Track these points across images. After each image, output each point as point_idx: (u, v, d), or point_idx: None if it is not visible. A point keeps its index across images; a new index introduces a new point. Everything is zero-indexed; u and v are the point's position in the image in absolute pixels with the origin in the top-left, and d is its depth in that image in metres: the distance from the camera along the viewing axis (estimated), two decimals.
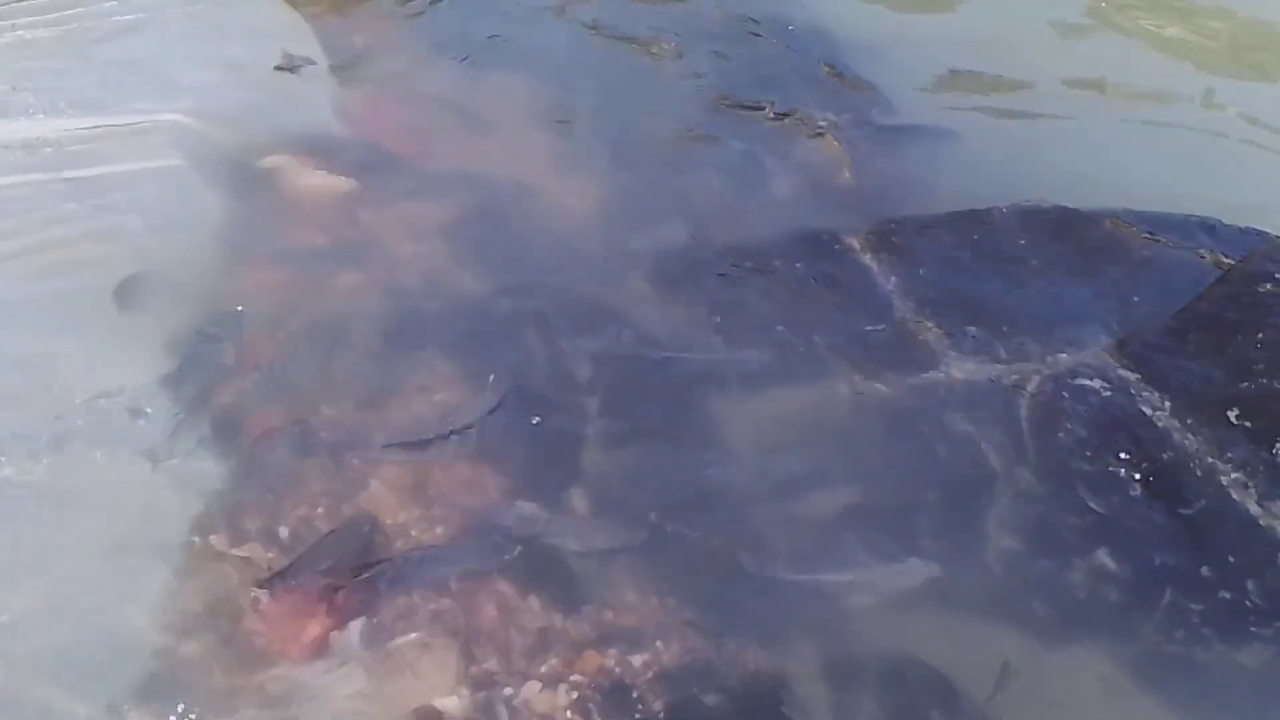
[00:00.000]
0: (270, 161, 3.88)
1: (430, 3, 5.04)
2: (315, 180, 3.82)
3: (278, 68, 4.35)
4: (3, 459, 2.70)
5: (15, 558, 2.50)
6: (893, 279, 3.46)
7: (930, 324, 3.29)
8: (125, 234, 3.47)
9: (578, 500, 2.77)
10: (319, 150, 3.94)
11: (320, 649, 2.41)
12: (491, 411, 2.93)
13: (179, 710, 2.25)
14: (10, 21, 4.35)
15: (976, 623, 2.54)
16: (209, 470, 2.75)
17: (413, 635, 2.44)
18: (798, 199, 3.87)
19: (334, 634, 2.44)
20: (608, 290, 3.41)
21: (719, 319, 3.31)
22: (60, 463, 2.72)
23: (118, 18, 4.47)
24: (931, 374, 3.11)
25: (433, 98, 4.36)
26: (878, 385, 3.07)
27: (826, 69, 4.69)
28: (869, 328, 3.27)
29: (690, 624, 2.49)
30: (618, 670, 2.40)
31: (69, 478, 2.69)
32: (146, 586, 2.48)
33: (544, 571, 2.58)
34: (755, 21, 5.01)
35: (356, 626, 2.47)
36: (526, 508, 2.73)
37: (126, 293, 3.21)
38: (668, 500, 2.77)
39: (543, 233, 3.67)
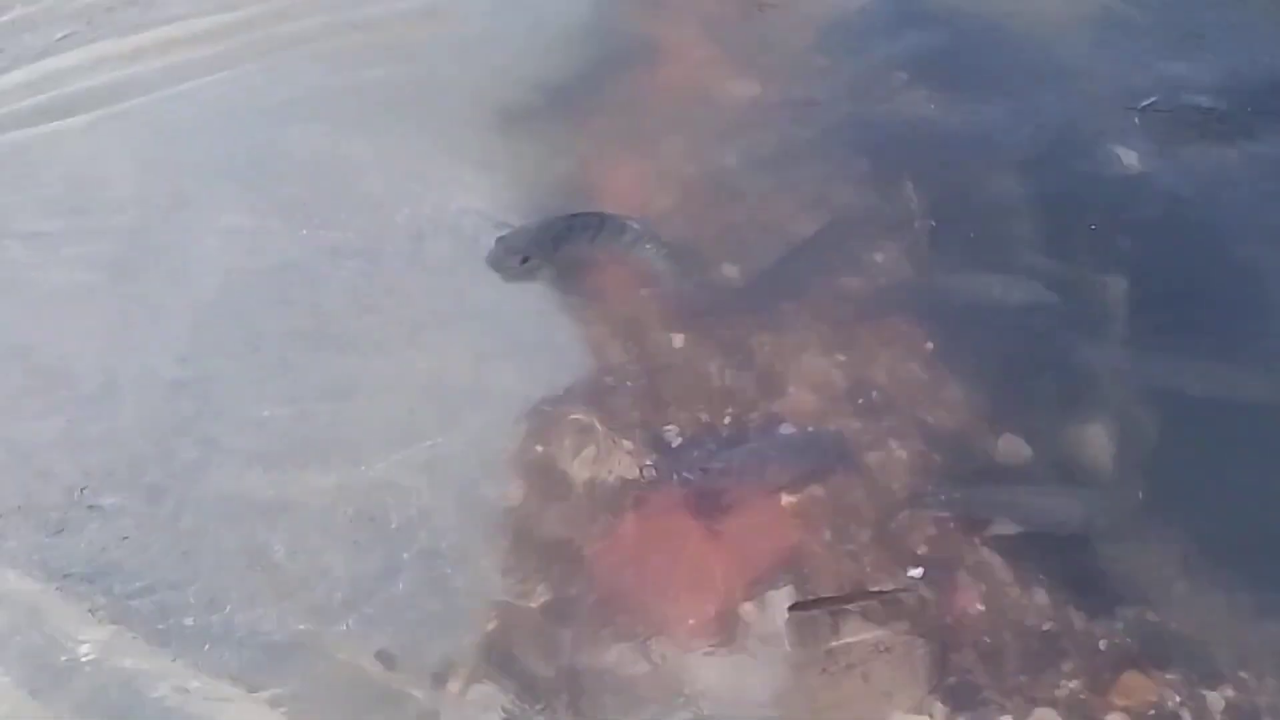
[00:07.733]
0: None
1: None
2: None
3: None
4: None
5: None
6: None
7: None
8: (447, 12, 2.82)
9: (1093, 435, 1.97)
10: None
11: (718, 621, 1.70)
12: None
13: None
14: None
15: None
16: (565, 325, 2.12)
17: (860, 624, 1.70)
18: None
19: (740, 601, 1.71)
20: (1098, 127, 2.59)
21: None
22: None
23: None
24: None
25: None
26: None
27: None
28: None
29: None
30: (1176, 701, 1.63)
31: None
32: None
33: (1048, 546, 1.82)
34: None
35: (774, 594, 1.69)
36: (1013, 440, 1.88)
37: (446, 92, 2.57)
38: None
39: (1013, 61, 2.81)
